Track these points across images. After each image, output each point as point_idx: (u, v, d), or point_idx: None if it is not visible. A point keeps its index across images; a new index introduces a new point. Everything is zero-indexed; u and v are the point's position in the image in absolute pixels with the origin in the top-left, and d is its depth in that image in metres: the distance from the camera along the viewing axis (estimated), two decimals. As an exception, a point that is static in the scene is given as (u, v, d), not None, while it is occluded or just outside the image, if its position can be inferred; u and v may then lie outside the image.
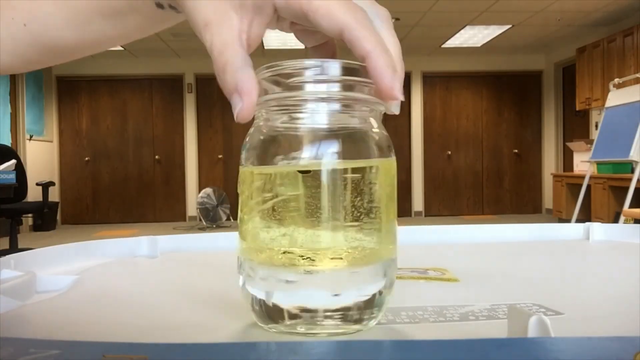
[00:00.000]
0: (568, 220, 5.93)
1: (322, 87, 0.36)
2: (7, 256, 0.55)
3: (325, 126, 0.37)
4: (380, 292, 0.37)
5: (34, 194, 5.87)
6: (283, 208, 0.37)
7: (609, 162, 5.27)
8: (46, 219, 7.08)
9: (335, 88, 0.36)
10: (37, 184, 5.06)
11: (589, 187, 5.35)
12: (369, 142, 0.38)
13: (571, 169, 7.08)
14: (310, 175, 0.36)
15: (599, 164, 5.43)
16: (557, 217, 6.97)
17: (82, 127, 8.16)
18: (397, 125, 8.24)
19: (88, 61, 7.94)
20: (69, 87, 8.10)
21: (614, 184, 5.49)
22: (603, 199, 5.70)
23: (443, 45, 7.58)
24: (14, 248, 4.65)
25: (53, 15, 0.43)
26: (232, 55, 0.33)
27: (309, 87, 0.36)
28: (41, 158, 7.64)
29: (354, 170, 0.37)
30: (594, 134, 5.86)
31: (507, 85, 8.43)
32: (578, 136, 7.29)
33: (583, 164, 6.10)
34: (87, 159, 8.16)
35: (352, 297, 0.36)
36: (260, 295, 0.37)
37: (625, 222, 4.09)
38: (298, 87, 0.36)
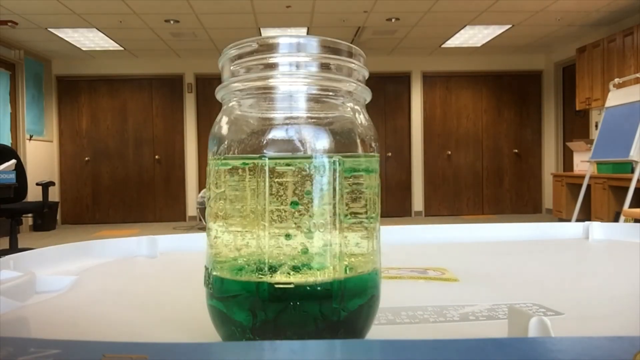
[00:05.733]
0: (568, 220, 5.91)
1: (300, 68, 0.30)
2: (6, 257, 0.55)
3: (299, 115, 0.30)
4: (365, 304, 0.32)
5: (34, 194, 5.86)
6: (234, 208, 0.31)
7: (609, 162, 5.27)
8: (46, 219, 7.08)
9: (315, 69, 0.30)
10: (37, 184, 5.06)
11: (589, 187, 5.34)
12: (351, 134, 0.31)
13: (571, 168, 7.07)
14: (276, 170, 0.30)
15: (599, 163, 5.43)
16: (557, 217, 6.96)
17: (82, 127, 8.15)
18: (397, 125, 8.24)
19: (88, 61, 7.93)
20: (69, 87, 8.09)
21: (614, 183, 5.49)
22: (603, 199, 5.70)
23: (443, 45, 7.57)
24: (14, 248, 4.64)
25: None
26: None
27: (283, 68, 0.30)
28: (41, 158, 7.64)
29: (333, 164, 0.30)
30: (594, 134, 5.85)
31: (507, 85, 8.42)
32: (578, 136, 7.29)
33: (583, 163, 6.09)
34: (87, 159, 8.16)
35: (337, 310, 0.30)
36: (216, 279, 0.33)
37: (625, 222, 4.09)
38: (271, 66, 0.30)
